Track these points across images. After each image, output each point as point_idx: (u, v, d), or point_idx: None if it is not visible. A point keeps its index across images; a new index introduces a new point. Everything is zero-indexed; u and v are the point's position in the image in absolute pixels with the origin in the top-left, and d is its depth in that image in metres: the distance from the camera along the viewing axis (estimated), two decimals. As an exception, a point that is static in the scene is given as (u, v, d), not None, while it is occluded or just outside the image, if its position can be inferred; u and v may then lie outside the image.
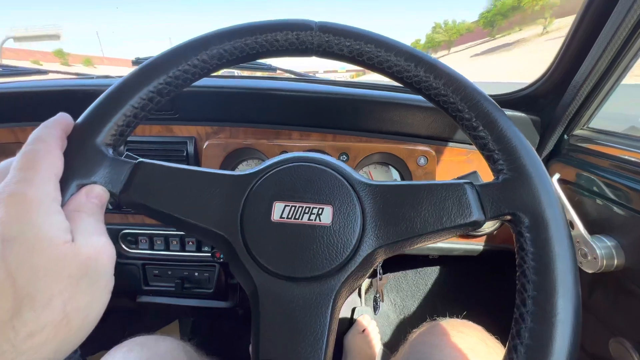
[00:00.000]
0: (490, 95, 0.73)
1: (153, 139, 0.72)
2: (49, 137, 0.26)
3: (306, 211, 0.30)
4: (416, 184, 0.32)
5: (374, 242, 0.30)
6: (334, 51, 0.34)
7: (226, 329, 1.09)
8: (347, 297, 0.31)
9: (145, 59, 0.85)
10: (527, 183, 0.29)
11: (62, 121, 0.28)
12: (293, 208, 0.30)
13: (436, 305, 1.13)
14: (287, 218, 0.30)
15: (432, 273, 1.20)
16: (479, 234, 0.71)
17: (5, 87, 0.72)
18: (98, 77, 0.81)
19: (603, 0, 0.51)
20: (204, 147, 0.69)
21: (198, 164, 0.73)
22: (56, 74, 0.88)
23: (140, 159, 0.32)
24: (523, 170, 0.29)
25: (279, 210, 0.30)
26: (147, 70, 0.32)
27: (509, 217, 0.30)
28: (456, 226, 0.30)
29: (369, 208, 0.31)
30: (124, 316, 0.99)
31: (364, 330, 1.10)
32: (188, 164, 0.72)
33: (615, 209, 0.49)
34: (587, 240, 0.49)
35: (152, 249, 0.82)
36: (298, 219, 0.30)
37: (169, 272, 0.85)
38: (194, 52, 0.33)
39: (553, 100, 0.61)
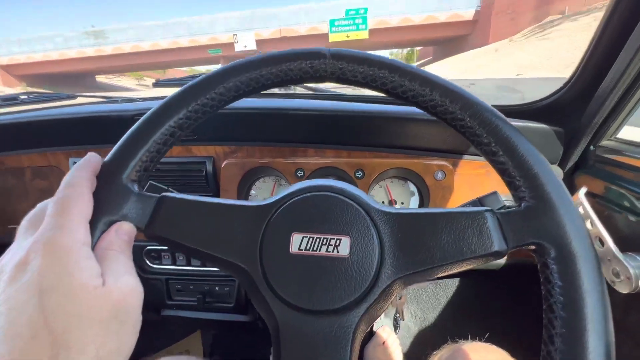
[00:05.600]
0: (511, 105, 0.71)
1: (174, 159, 0.74)
2: (80, 180, 0.28)
3: (324, 242, 0.30)
4: (435, 212, 0.32)
5: (392, 273, 0.30)
6: (348, 77, 0.35)
7: (246, 341, 1.10)
8: (367, 330, 0.31)
9: (166, 81, 0.89)
10: (551, 212, 0.28)
11: (91, 162, 0.30)
12: (311, 239, 0.30)
13: (457, 317, 1.10)
14: (306, 250, 0.30)
15: (452, 285, 1.17)
16: None
17: (38, 115, 0.77)
18: (123, 100, 0.84)
19: (632, 2, 0.49)
20: (222, 166, 0.71)
21: (217, 183, 0.75)
22: (84, 98, 0.93)
23: (164, 193, 0.33)
24: (547, 198, 0.29)
25: (297, 242, 0.30)
26: (168, 106, 0.34)
27: (533, 247, 0.29)
28: (477, 257, 0.29)
29: (386, 238, 0.31)
30: (149, 328, 1.02)
31: (384, 343, 1.09)
32: (207, 183, 0.74)
33: None
34: (618, 258, 0.47)
35: (174, 264, 0.84)
36: (316, 250, 0.30)
37: (191, 287, 0.87)
38: (212, 86, 0.34)
39: (577, 110, 0.59)
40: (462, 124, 0.33)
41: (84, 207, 0.27)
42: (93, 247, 0.27)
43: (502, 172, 0.31)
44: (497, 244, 0.29)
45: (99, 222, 0.29)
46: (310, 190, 0.33)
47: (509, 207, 0.32)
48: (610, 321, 0.25)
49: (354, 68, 0.34)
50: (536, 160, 0.30)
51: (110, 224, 0.29)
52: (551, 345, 0.25)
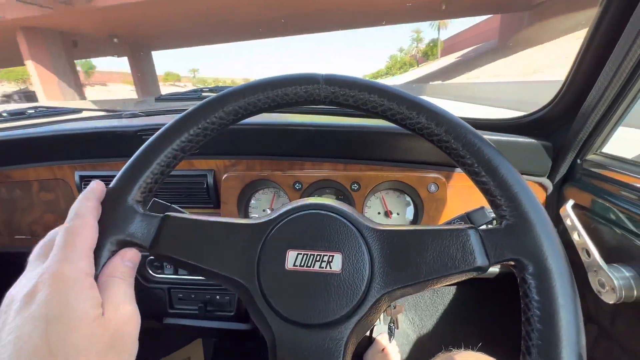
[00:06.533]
0: (501, 120, 0.74)
1: (176, 172, 0.77)
2: (86, 209, 0.30)
3: (317, 259, 0.32)
4: (422, 229, 0.34)
5: (381, 287, 0.32)
6: (340, 101, 0.37)
7: (246, 349, 1.12)
8: (358, 342, 0.33)
9: (167, 96, 0.91)
10: (529, 230, 0.30)
11: (96, 190, 0.32)
12: (305, 256, 0.33)
13: (454, 325, 1.12)
14: (300, 266, 0.32)
15: (449, 292, 1.19)
16: None
17: (45, 131, 0.80)
18: (127, 115, 0.87)
19: (611, 24, 0.51)
20: (223, 179, 0.73)
21: (217, 195, 0.77)
22: (88, 112, 0.95)
23: (167, 213, 0.35)
24: (526, 218, 0.31)
25: (292, 259, 0.32)
26: (171, 130, 0.36)
27: (512, 263, 0.31)
28: (460, 272, 0.31)
29: (376, 254, 0.33)
30: (150, 336, 1.04)
31: (383, 350, 1.10)
32: (208, 195, 0.77)
33: (632, 238, 0.48)
34: (604, 269, 0.49)
35: (176, 273, 0.86)
36: (310, 266, 0.32)
37: (193, 296, 0.89)
38: (212, 111, 0.36)
39: (564, 125, 0.61)
40: (447, 145, 0.35)
41: (89, 237, 0.29)
42: (98, 274, 0.28)
43: (485, 192, 0.34)
44: (480, 259, 0.31)
45: (106, 242, 0.31)
46: (305, 209, 0.35)
47: (494, 219, 0.34)
48: (583, 334, 0.27)
49: (345, 92, 0.36)
50: (516, 181, 0.32)
51: (117, 243, 0.32)
52: (528, 355, 0.27)
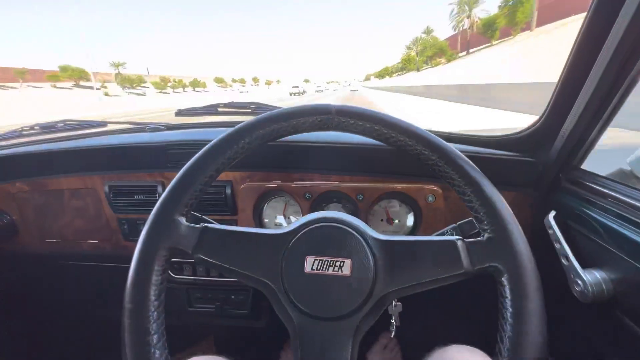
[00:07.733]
0: (491, 136, 0.81)
1: None
2: None
3: (331, 264, 0.40)
4: (417, 240, 0.41)
5: (383, 288, 0.39)
6: (350, 129, 0.45)
7: (258, 346, 1.19)
8: (365, 332, 0.40)
9: (186, 110, 0.99)
10: (506, 242, 0.38)
11: None
12: (321, 262, 0.40)
13: (451, 321, 1.18)
14: (317, 270, 0.40)
15: (446, 290, 1.24)
16: None
17: (74, 145, 0.88)
18: (150, 128, 0.95)
19: (586, 54, 0.57)
20: (240, 189, 0.81)
21: (234, 203, 0.85)
22: (113, 125, 1.03)
23: (205, 224, 0.43)
24: (503, 232, 0.38)
25: (310, 264, 0.40)
26: (209, 155, 0.44)
27: (492, 269, 0.38)
28: (449, 276, 0.39)
29: (380, 260, 0.40)
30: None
31: (385, 346, 1.17)
32: (226, 203, 0.84)
33: (605, 246, 0.55)
34: (579, 273, 0.56)
35: (194, 275, 0.94)
36: (325, 270, 0.40)
37: (209, 296, 0.97)
38: (242, 137, 0.44)
39: (547, 143, 0.68)
40: (439, 169, 0.42)
41: None
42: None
43: (470, 208, 0.41)
44: (465, 266, 0.38)
45: (160, 249, 0.39)
46: (320, 222, 0.43)
47: (478, 232, 0.41)
48: (544, 327, 0.34)
49: (354, 122, 0.44)
50: (496, 201, 0.39)
51: (168, 249, 0.39)
52: (502, 344, 0.35)
